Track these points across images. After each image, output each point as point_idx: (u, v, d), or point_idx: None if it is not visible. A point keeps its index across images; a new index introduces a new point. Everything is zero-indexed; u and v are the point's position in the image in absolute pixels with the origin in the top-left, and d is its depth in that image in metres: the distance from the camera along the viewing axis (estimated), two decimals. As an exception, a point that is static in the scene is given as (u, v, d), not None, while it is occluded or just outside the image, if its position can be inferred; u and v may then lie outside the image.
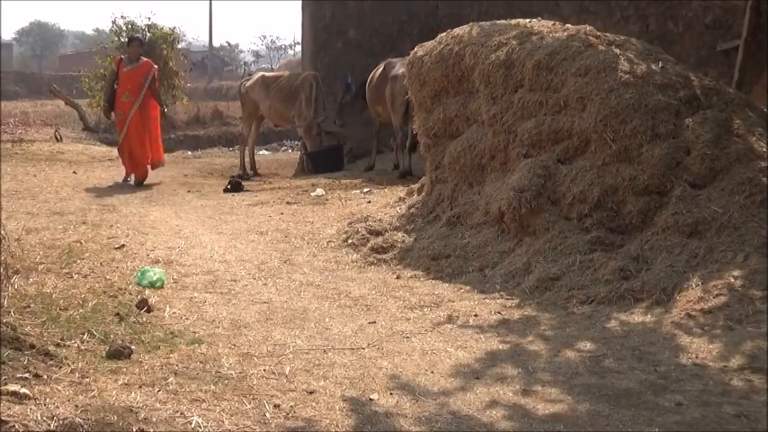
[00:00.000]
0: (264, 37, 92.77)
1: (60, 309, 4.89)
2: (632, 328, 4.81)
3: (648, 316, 4.98)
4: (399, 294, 5.81)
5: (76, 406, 3.34)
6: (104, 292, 5.45)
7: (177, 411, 3.47)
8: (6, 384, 3.38)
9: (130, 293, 5.49)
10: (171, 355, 4.29)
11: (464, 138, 7.36)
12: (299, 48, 38.61)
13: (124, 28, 20.57)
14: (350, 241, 7.26)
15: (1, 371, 3.51)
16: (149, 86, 11.30)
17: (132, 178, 11.41)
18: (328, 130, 13.28)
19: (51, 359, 3.92)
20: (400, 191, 8.94)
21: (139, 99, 11.22)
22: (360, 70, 13.26)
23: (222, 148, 21.62)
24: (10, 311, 4.53)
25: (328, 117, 13.42)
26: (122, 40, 20.41)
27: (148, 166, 11.49)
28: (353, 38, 14.69)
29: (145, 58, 11.68)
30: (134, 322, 4.85)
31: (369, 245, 7.09)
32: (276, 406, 3.65)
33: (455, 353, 4.50)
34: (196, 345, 4.51)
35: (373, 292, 5.87)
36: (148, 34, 19.59)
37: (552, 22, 7.51)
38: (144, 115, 11.34)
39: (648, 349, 4.44)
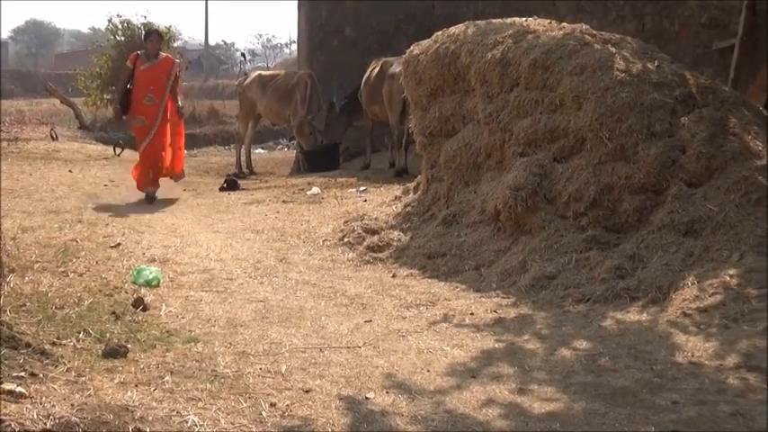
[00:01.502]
0: (260, 35, 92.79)
1: (56, 307, 4.88)
2: (628, 327, 4.81)
3: (644, 314, 4.99)
4: (395, 293, 5.81)
5: (72, 405, 3.33)
6: (100, 291, 5.43)
7: (173, 410, 3.46)
8: (2, 383, 3.37)
9: (126, 292, 5.47)
10: (167, 354, 4.29)
11: (460, 136, 7.36)
12: (294, 46, 38.59)
13: (120, 27, 20.62)
14: (346, 240, 7.26)
15: (-3, 370, 3.51)
16: (170, 87, 9.74)
17: (150, 191, 9.83)
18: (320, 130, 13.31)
19: (47, 358, 3.90)
20: (396, 189, 8.94)
21: (164, 101, 9.69)
22: (356, 69, 13.27)
23: (218, 147, 21.64)
24: (6, 310, 4.51)
25: (321, 115, 13.42)
26: (118, 38, 20.46)
27: (170, 179, 10.25)
28: (350, 36, 14.71)
29: (165, 54, 10.17)
30: (130, 321, 4.84)
31: (365, 243, 7.09)
32: (272, 404, 3.65)
33: (451, 351, 4.51)
34: (192, 343, 4.50)
35: (369, 291, 5.87)
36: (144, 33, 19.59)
37: (548, 21, 7.51)
38: (167, 120, 9.82)
39: (644, 348, 4.44)
